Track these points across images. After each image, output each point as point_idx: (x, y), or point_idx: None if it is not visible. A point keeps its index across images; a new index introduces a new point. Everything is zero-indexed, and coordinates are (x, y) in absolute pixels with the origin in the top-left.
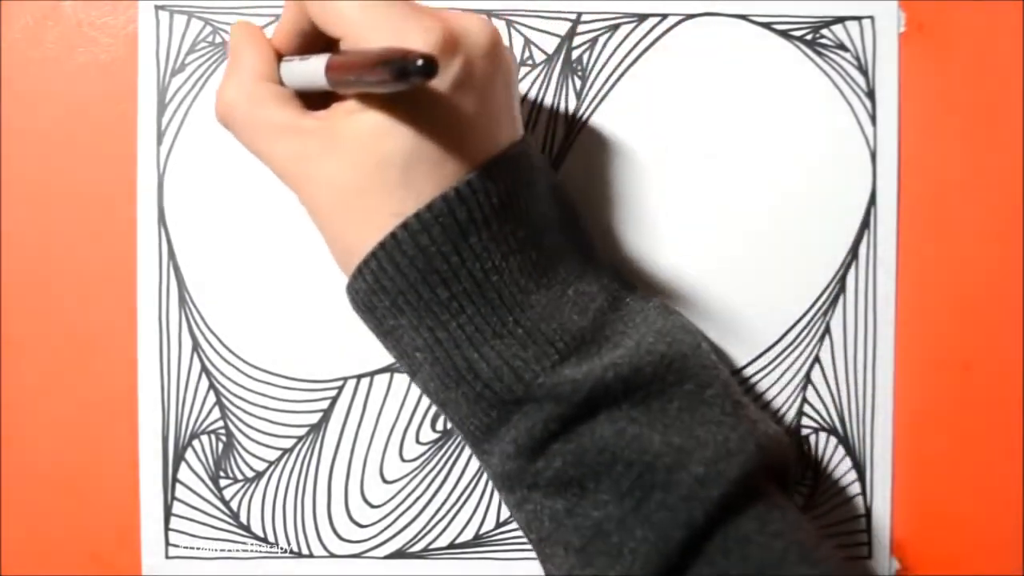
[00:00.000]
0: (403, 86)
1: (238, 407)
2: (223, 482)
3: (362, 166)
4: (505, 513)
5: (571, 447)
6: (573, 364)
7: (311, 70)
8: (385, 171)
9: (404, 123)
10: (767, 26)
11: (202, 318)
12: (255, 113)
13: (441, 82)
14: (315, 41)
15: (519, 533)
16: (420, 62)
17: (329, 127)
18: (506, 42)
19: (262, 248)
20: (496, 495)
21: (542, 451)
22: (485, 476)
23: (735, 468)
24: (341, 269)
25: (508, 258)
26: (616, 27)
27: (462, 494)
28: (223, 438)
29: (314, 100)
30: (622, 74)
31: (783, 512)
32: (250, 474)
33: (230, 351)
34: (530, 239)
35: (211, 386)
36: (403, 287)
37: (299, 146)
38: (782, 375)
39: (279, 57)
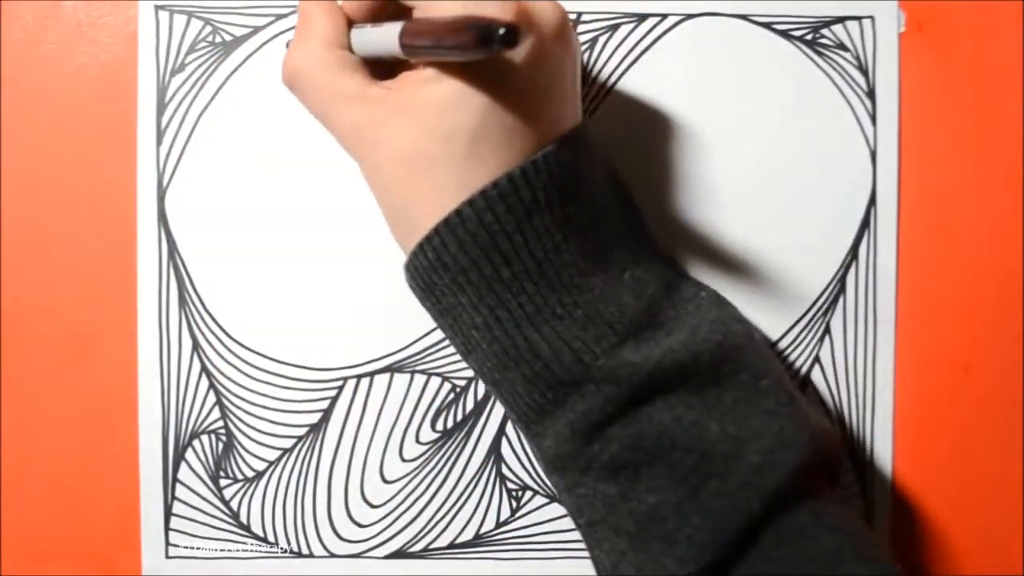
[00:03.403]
0: (483, 54)
1: (238, 407)
2: (223, 482)
3: (432, 135)
4: (505, 513)
5: (629, 431)
6: (631, 347)
7: (385, 36)
8: (454, 141)
9: (477, 94)
10: (767, 26)
11: (202, 318)
12: (325, 78)
13: (515, 56)
14: (384, 11)
15: (519, 533)
16: (503, 30)
17: (400, 96)
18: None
19: (263, 247)
20: (496, 494)
21: (598, 434)
22: (485, 476)
23: (791, 459)
24: (400, 244)
25: (568, 239)
26: (616, 27)
27: (462, 494)
28: (223, 438)
29: (380, 71)
30: (622, 74)
31: (836, 507)
32: (250, 474)
33: (230, 351)
34: (589, 222)
35: (211, 386)
36: (465, 264)
37: (369, 113)
38: None
39: (349, 24)
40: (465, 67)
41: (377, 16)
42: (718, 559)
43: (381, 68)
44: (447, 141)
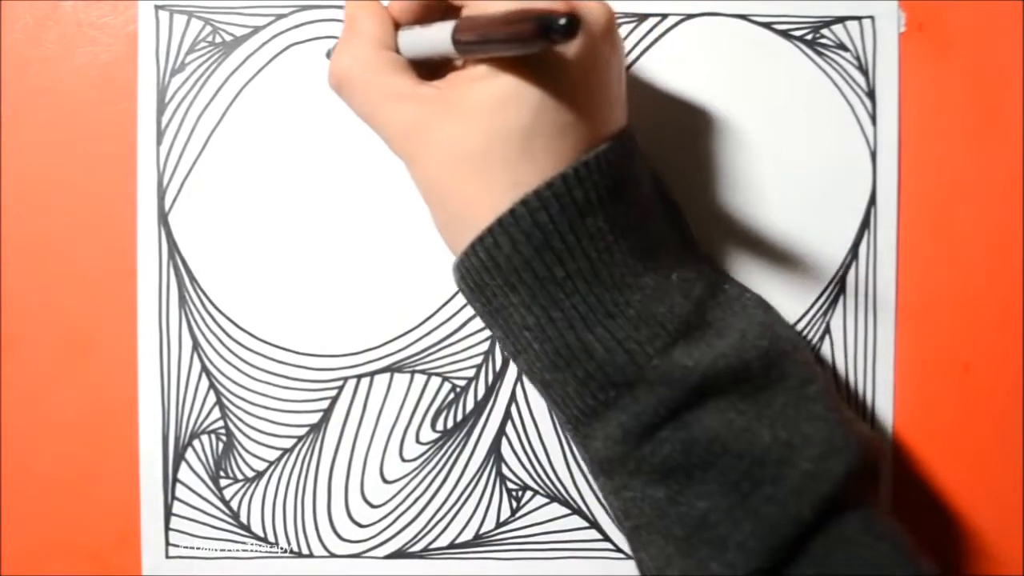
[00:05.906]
0: (542, 45)
1: (238, 407)
2: (223, 482)
3: (486, 133)
4: (505, 513)
5: (680, 435)
6: (682, 349)
7: (435, 36)
8: (508, 140)
9: (530, 90)
10: (767, 26)
11: (202, 318)
12: (373, 80)
13: (566, 52)
14: (431, 13)
15: (519, 533)
16: (563, 20)
17: (451, 95)
18: None
19: (263, 247)
20: (495, 495)
21: (649, 437)
22: (485, 476)
23: (842, 466)
24: (448, 243)
25: (620, 240)
26: None
27: (462, 494)
28: (223, 438)
29: (426, 73)
30: None
31: (882, 514)
32: (250, 474)
33: (230, 351)
34: (638, 222)
35: (211, 386)
36: (518, 264)
37: (418, 113)
38: None
39: (396, 26)
40: (517, 64)
41: (423, 18)
42: (767, 565)
43: (426, 70)
44: (500, 139)
